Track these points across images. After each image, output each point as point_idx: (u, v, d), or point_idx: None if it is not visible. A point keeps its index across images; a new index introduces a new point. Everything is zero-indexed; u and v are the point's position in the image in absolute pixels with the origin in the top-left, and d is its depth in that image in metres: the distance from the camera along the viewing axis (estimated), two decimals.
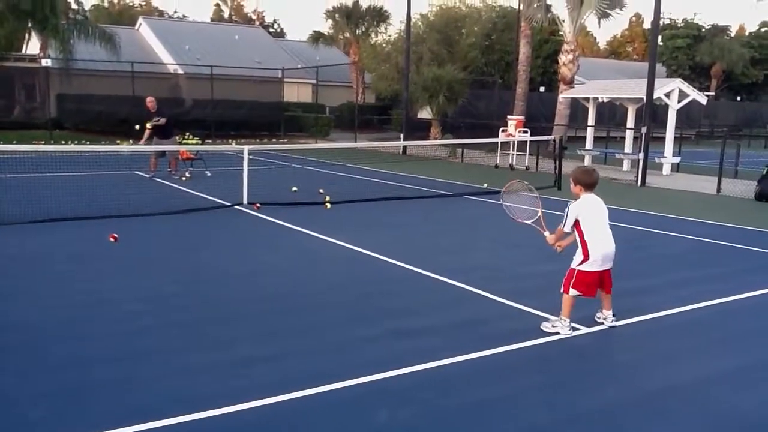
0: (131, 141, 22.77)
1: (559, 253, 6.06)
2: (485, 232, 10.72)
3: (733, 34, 54.31)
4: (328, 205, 12.15)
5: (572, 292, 5.73)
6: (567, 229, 5.76)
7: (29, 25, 29.21)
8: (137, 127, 15.26)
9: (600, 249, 5.66)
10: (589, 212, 5.70)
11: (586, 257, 5.67)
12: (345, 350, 5.30)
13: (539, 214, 6.09)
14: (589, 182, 5.78)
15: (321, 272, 7.77)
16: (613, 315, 6.00)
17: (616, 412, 4.38)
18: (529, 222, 6.23)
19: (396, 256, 8.36)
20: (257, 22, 70.15)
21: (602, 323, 5.99)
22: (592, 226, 5.67)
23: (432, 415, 4.24)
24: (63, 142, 23.19)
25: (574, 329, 5.80)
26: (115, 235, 8.90)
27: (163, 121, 15.01)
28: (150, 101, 15.25)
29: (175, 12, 75.47)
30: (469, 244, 9.70)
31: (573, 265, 5.76)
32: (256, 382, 4.60)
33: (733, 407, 4.54)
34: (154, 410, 4.12)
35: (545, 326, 5.80)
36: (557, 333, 5.70)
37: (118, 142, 23.51)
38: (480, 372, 4.96)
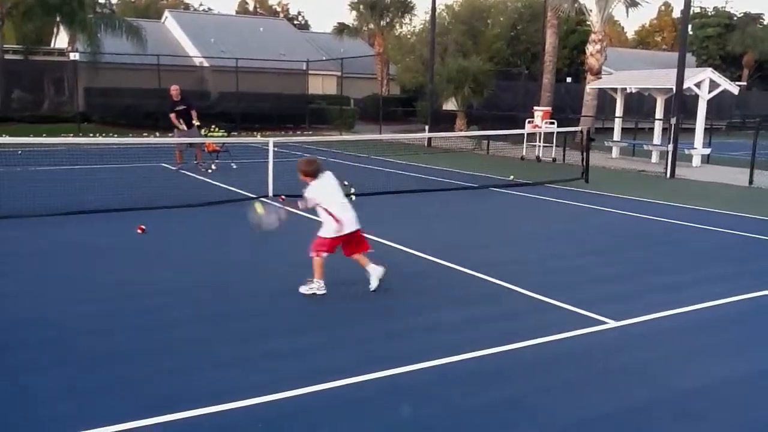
0: (157, 133, 22.97)
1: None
2: (512, 224, 10.61)
3: (766, 23, 53.13)
4: (353, 198, 12.10)
5: (324, 255, 6.42)
6: (301, 206, 6.48)
7: (57, 19, 29.56)
8: (174, 116, 15.32)
9: (340, 216, 6.36)
10: (324, 193, 6.40)
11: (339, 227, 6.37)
12: (369, 344, 5.26)
13: (282, 215, 6.65)
14: (311, 171, 6.44)
15: (346, 265, 7.71)
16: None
17: (644, 413, 4.26)
18: (277, 223, 6.67)
19: (421, 248, 8.30)
20: (282, 14, 70.31)
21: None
22: (331, 201, 6.39)
23: (451, 413, 4.17)
24: (91, 135, 23.47)
25: (589, 319, 5.71)
26: (143, 226, 8.96)
27: (194, 116, 15.19)
28: (174, 89, 15.36)
29: (201, 5, 75.85)
30: (495, 236, 9.60)
31: (325, 235, 6.42)
32: (280, 376, 4.58)
33: (764, 409, 4.40)
34: (180, 402, 4.12)
35: (303, 290, 6.38)
36: (314, 294, 6.30)
37: (145, 134, 23.71)
38: (505, 368, 4.89)
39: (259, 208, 6.61)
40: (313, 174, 6.44)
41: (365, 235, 6.74)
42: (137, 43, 29.94)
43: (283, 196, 11.70)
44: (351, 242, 6.56)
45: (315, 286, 6.40)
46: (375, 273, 6.55)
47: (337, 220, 6.38)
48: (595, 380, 4.73)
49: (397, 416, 4.12)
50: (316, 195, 6.40)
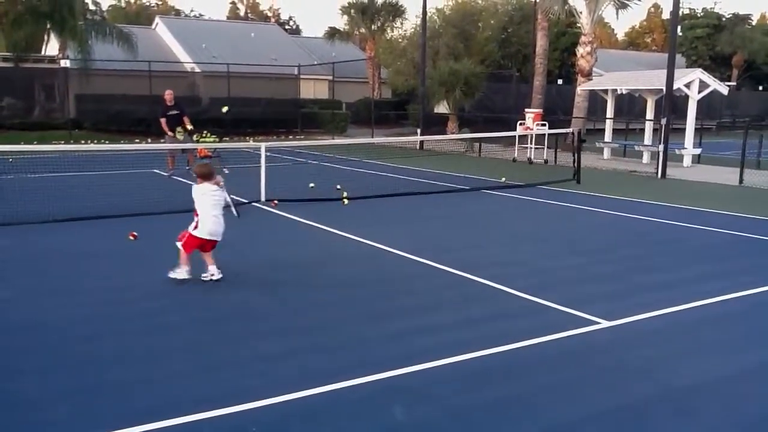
0: (149, 140, 22.93)
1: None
2: (504, 226, 10.64)
3: (754, 23, 53.49)
4: (346, 201, 12.13)
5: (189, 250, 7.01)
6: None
7: (48, 26, 29.46)
8: (164, 121, 15.30)
9: (208, 225, 6.94)
10: (199, 197, 7.03)
11: (196, 226, 6.97)
12: (364, 346, 5.27)
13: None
14: (201, 173, 7.17)
15: (340, 268, 7.74)
16: (212, 274, 6.93)
17: (641, 410, 4.29)
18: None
19: (414, 251, 8.32)
20: (273, 20, 70.33)
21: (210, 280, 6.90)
22: (202, 207, 7.00)
23: (451, 413, 4.19)
24: (82, 141, 23.39)
25: (585, 320, 5.74)
26: (135, 233, 8.94)
27: (187, 122, 15.24)
28: (168, 94, 15.39)
29: (192, 11, 75.85)
30: (487, 238, 9.63)
31: (190, 229, 7.01)
32: (275, 379, 4.59)
33: (758, 406, 4.43)
34: (173, 407, 4.12)
35: (171, 275, 6.94)
36: (179, 278, 6.83)
37: (137, 141, 23.67)
38: (500, 368, 4.91)
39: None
40: (203, 177, 7.13)
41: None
42: (128, 50, 29.88)
43: (275, 201, 11.71)
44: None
45: (177, 272, 6.99)
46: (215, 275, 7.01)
47: (196, 224, 7.03)
48: (590, 379, 4.75)
49: (394, 417, 4.13)
50: (195, 196, 7.07)
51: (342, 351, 5.16)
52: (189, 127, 15.41)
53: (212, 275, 7.00)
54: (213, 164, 16.02)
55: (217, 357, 4.99)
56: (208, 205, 7.04)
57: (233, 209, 8.12)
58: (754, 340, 5.65)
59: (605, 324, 5.80)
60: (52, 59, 31.52)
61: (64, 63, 28.32)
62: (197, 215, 7.07)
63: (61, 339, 5.32)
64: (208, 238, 7.00)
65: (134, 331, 5.50)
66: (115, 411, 4.11)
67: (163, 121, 15.23)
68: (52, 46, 33.13)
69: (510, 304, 6.40)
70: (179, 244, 7.02)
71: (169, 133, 15.24)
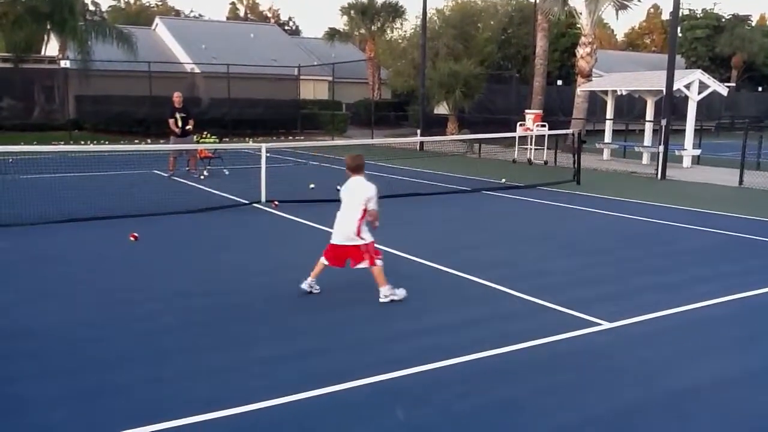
0: (149, 140, 22.94)
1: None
2: (504, 227, 10.65)
3: (754, 24, 53.50)
4: None
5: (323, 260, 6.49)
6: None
7: (48, 27, 29.46)
8: (173, 121, 15.33)
9: (336, 225, 6.42)
10: (342, 193, 6.48)
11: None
12: (364, 348, 5.27)
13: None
14: (350, 165, 6.52)
15: (340, 270, 7.73)
16: (386, 295, 6.31)
17: (636, 414, 4.29)
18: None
19: (415, 252, 8.33)
20: (272, 20, 70.33)
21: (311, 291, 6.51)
22: (341, 205, 6.41)
23: (447, 416, 4.19)
24: (82, 142, 23.40)
25: (583, 322, 5.75)
26: (136, 234, 8.95)
27: (191, 124, 15.35)
28: (177, 96, 15.48)
29: (191, 11, 75.88)
30: (488, 239, 9.63)
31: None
32: (276, 381, 4.59)
33: (756, 409, 4.42)
34: (173, 410, 4.12)
35: (381, 298, 6.33)
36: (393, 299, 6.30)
37: (136, 141, 23.67)
38: (500, 370, 4.91)
39: None
40: (351, 169, 6.54)
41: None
42: (128, 50, 29.87)
43: (276, 202, 11.72)
44: (353, 257, 6.50)
45: (390, 294, 6.35)
46: (383, 294, 6.38)
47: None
48: (589, 381, 4.75)
49: (394, 419, 4.13)
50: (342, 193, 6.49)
51: (341, 353, 5.17)
52: (188, 127, 15.44)
53: (387, 297, 6.34)
54: (213, 165, 16.10)
55: (217, 359, 4.99)
56: (344, 202, 6.43)
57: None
58: (754, 342, 5.65)
59: (605, 325, 5.80)
60: (52, 60, 31.52)
61: (64, 63, 28.32)
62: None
63: (62, 342, 5.32)
64: (336, 242, 6.43)
65: (135, 334, 5.50)
66: (116, 414, 4.11)
67: (171, 121, 15.25)
68: (51, 47, 33.15)
69: (510, 306, 6.41)
70: (376, 262, 6.37)
71: (176, 130, 15.28)
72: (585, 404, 4.40)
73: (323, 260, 6.50)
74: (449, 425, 4.08)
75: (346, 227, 6.36)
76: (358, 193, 6.37)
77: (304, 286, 6.50)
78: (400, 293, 6.39)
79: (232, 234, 9.59)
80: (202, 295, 6.63)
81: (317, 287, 6.54)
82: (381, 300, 6.33)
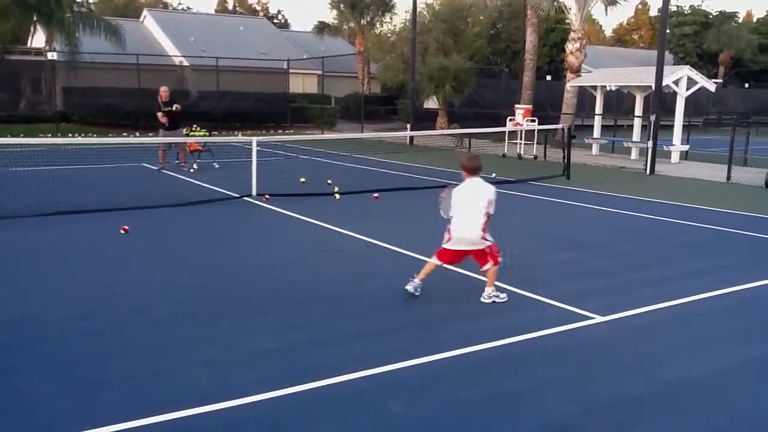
0: (137, 133, 22.81)
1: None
2: (495, 221, 10.63)
3: (740, 21, 53.86)
4: (337, 196, 12.13)
5: (433, 259, 6.27)
6: (444, 215, 6.16)
7: (35, 18, 29.15)
8: (160, 115, 15.22)
9: (455, 232, 6.09)
10: (458, 196, 6.11)
11: (449, 237, 6.13)
12: (361, 341, 5.28)
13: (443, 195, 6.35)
14: (468, 166, 6.17)
15: (333, 263, 7.75)
16: (490, 296, 6.16)
17: (636, 405, 4.34)
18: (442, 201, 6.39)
19: (407, 246, 8.34)
20: (261, 13, 70.00)
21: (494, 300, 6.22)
22: (456, 208, 6.08)
23: (448, 408, 4.22)
24: (70, 134, 23.22)
25: (579, 315, 5.80)
26: (126, 227, 8.90)
27: (179, 108, 15.19)
28: (163, 90, 15.38)
29: (180, 4, 75.27)
30: None
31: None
32: (273, 374, 4.59)
33: (755, 399, 4.50)
34: (170, 403, 4.12)
35: (483, 298, 6.20)
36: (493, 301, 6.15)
37: (125, 134, 23.52)
38: (495, 364, 4.94)
39: None
40: (468, 171, 6.16)
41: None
42: (116, 43, 29.61)
43: (267, 195, 11.70)
44: (474, 257, 6.20)
45: (493, 295, 6.18)
46: (487, 294, 6.19)
47: (447, 231, 6.18)
48: (585, 374, 4.79)
49: (393, 412, 4.15)
50: (453, 196, 6.13)
51: (338, 346, 5.18)
52: (176, 106, 15.31)
53: (490, 297, 6.17)
54: (203, 158, 16.04)
55: (213, 352, 4.99)
56: (462, 206, 6.08)
57: None
58: (745, 335, 5.72)
59: (599, 319, 5.85)
60: (39, 51, 31.22)
61: (51, 55, 28.05)
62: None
63: (58, 335, 5.30)
64: (458, 248, 6.12)
65: (130, 327, 5.48)
66: (111, 407, 4.10)
67: (160, 114, 15.16)
68: (38, 38, 32.81)
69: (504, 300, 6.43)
70: (499, 262, 6.20)
71: (164, 121, 15.18)
72: (585, 396, 4.44)
73: (437, 262, 6.22)
74: (448, 417, 4.10)
75: (470, 233, 6.05)
76: (478, 196, 6.06)
77: (410, 288, 6.21)
78: (503, 297, 6.21)
79: (224, 227, 9.56)
80: (196, 288, 6.62)
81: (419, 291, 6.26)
82: (483, 300, 6.16)
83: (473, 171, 6.11)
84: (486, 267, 6.17)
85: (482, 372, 4.76)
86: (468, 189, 6.11)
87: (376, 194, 10.64)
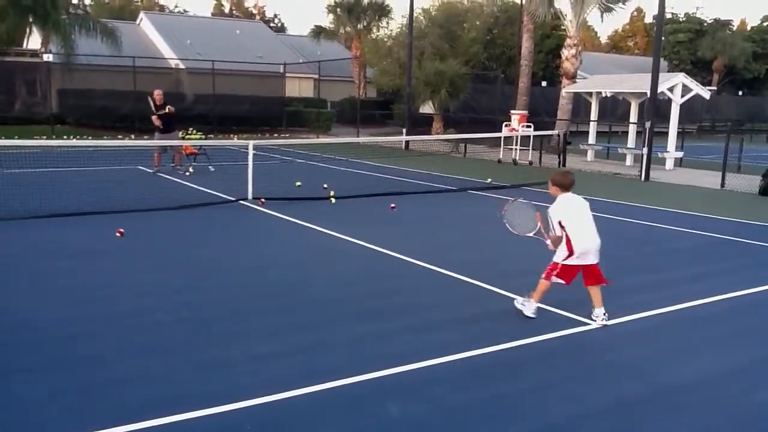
0: (133, 136, 22.76)
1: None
2: (491, 227, 10.64)
3: (735, 29, 54.17)
4: (333, 200, 12.13)
5: (554, 279, 5.93)
6: (558, 233, 5.92)
7: (30, 20, 29.08)
8: (155, 118, 15.20)
9: (583, 244, 5.82)
10: (568, 211, 5.91)
11: (570, 253, 5.83)
12: (355, 346, 5.28)
13: (539, 225, 6.17)
14: (564, 183, 6.02)
15: (328, 267, 7.74)
16: (604, 314, 5.95)
17: (632, 408, 4.36)
18: (531, 234, 6.28)
19: (402, 251, 8.34)
20: (258, 17, 70.02)
21: (594, 321, 5.94)
22: (574, 223, 5.85)
23: (445, 411, 4.22)
24: (65, 137, 23.13)
25: (575, 321, 5.81)
26: (121, 230, 8.88)
27: (172, 109, 15.17)
28: (157, 94, 15.35)
29: (176, 7, 75.21)
30: (475, 239, 9.68)
31: (557, 259, 5.92)
32: (267, 378, 4.58)
33: (750, 401, 4.53)
34: (164, 406, 4.11)
35: (517, 302, 6.11)
36: (521, 313, 5.99)
37: (120, 137, 23.47)
38: (493, 367, 4.94)
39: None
40: (566, 187, 5.99)
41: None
42: (112, 45, 29.57)
43: (262, 199, 11.68)
44: (589, 273, 5.99)
45: (527, 306, 6.02)
46: (600, 319, 5.94)
47: (569, 249, 5.84)
48: (582, 379, 4.81)
49: (389, 415, 4.14)
50: (559, 213, 5.90)
51: (334, 350, 5.17)
52: (169, 109, 15.29)
53: (597, 317, 5.92)
54: (198, 161, 16.01)
55: (209, 356, 4.97)
56: (580, 218, 5.89)
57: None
58: (740, 339, 5.75)
59: (596, 324, 5.86)
60: (35, 53, 31.14)
61: (47, 57, 27.98)
62: (566, 240, 5.82)
63: (51, 338, 5.27)
64: (584, 263, 5.87)
65: (124, 330, 5.46)
66: (106, 410, 4.09)
67: (154, 117, 15.15)
68: (34, 40, 32.73)
69: (500, 305, 6.43)
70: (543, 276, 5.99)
71: (158, 124, 15.16)
72: (579, 400, 4.45)
73: (560, 281, 5.91)
74: (446, 420, 4.10)
75: (596, 241, 5.87)
76: (586, 206, 6.00)
77: (531, 314, 5.99)
78: (533, 312, 6.03)
79: (220, 231, 9.54)
80: (192, 291, 6.60)
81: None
82: (516, 304, 6.09)
83: (568, 187, 6.00)
84: (595, 285, 5.96)
85: (481, 376, 4.76)
86: (576, 201, 5.99)
87: (393, 204, 10.69)
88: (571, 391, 4.58)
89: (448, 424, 4.06)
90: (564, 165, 15.97)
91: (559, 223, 5.86)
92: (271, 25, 63.58)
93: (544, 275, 5.97)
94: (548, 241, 6.00)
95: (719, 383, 4.81)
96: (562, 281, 5.92)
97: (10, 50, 30.93)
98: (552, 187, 6.06)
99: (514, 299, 6.24)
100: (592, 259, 5.89)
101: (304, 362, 4.89)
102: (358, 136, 27.61)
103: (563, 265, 5.87)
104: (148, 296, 6.39)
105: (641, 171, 17.69)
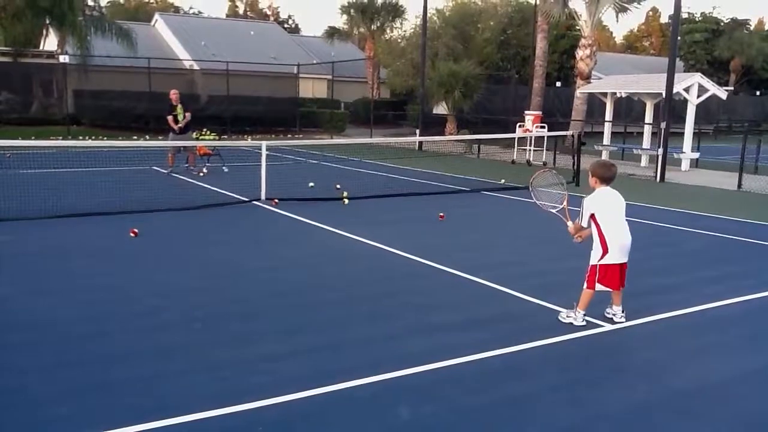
0: (147, 136, 22.90)
1: (579, 243, 6.08)
2: (504, 227, 10.66)
3: (752, 28, 53.68)
4: (346, 201, 12.13)
5: (598, 287, 5.75)
6: (584, 224, 5.81)
7: (47, 21, 29.39)
8: (171, 118, 15.37)
9: (617, 241, 5.69)
10: (604, 205, 5.75)
11: (605, 251, 5.70)
12: (367, 346, 5.26)
13: (564, 203, 6.11)
14: (606, 176, 5.80)
15: (341, 268, 7.74)
16: (623, 312, 5.92)
17: (644, 412, 4.31)
18: (553, 211, 6.23)
19: (415, 252, 8.32)
20: (272, 18, 70.26)
21: (611, 318, 5.92)
22: (608, 218, 5.71)
23: (456, 413, 4.20)
24: (80, 137, 23.33)
25: (588, 323, 5.78)
26: (136, 230, 8.93)
27: (189, 116, 15.35)
28: (173, 93, 15.52)
29: (191, 8, 75.71)
30: (488, 240, 9.64)
31: (594, 261, 5.79)
32: (279, 378, 4.58)
33: (764, 406, 4.47)
34: (178, 406, 4.12)
35: (562, 316, 5.91)
36: (571, 324, 5.78)
37: (135, 137, 23.63)
38: (504, 369, 4.91)
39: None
40: (606, 180, 5.78)
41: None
42: (127, 46, 29.84)
43: (276, 200, 11.71)
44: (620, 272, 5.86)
45: (576, 317, 5.81)
46: (617, 317, 5.93)
47: (603, 247, 5.71)
48: (594, 381, 4.77)
49: (400, 417, 4.13)
50: (594, 205, 5.71)
51: (346, 350, 5.16)
52: (187, 115, 15.48)
53: (614, 314, 5.90)
54: (212, 162, 16.08)
55: (221, 356, 4.98)
56: (615, 214, 5.72)
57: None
58: (755, 343, 5.67)
59: (608, 327, 5.81)
60: (51, 54, 31.45)
61: (63, 58, 28.24)
62: (599, 237, 5.70)
63: (64, 337, 5.30)
64: (619, 261, 5.74)
65: (137, 329, 5.48)
66: (119, 409, 4.10)
67: (170, 118, 15.32)
68: (50, 42, 33.06)
69: (513, 306, 6.41)
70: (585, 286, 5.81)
71: (175, 127, 15.33)
72: (591, 403, 4.41)
73: (605, 288, 5.78)
74: (457, 422, 4.08)
75: (628, 238, 5.81)
76: (622, 202, 5.83)
77: (579, 322, 5.78)
78: (581, 320, 5.83)
79: (233, 231, 9.57)
80: (204, 291, 6.62)
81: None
82: (560, 318, 5.89)
83: (609, 180, 5.79)
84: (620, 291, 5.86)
85: (492, 378, 4.73)
86: (612, 196, 5.80)
87: (441, 213, 10.67)
88: (583, 395, 4.54)
89: (459, 426, 4.04)
90: (578, 166, 15.85)
91: (592, 216, 5.73)
92: (285, 26, 63.77)
93: (585, 284, 5.79)
94: (569, 223, 5.92)
95: (732, 387, 4.74)
96: (608, 288, 5.76)
97: (27, 51, 31.25)
98: (591, 178, 5.86)
99: (559, 312, 6.01)
100: (625, 258, 5.79)
101: (316, 362, 4.89)
102: (371, 137, 27.60)
103: (601, 266, 5.71)
104: (162, 296, 6.42)
105: (656, 172, 17.55)
